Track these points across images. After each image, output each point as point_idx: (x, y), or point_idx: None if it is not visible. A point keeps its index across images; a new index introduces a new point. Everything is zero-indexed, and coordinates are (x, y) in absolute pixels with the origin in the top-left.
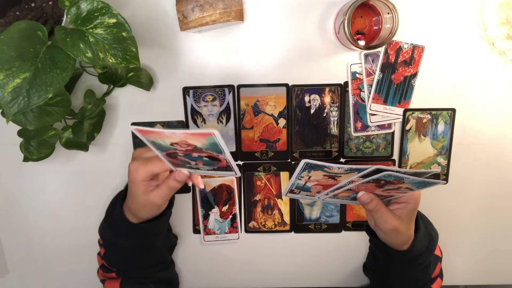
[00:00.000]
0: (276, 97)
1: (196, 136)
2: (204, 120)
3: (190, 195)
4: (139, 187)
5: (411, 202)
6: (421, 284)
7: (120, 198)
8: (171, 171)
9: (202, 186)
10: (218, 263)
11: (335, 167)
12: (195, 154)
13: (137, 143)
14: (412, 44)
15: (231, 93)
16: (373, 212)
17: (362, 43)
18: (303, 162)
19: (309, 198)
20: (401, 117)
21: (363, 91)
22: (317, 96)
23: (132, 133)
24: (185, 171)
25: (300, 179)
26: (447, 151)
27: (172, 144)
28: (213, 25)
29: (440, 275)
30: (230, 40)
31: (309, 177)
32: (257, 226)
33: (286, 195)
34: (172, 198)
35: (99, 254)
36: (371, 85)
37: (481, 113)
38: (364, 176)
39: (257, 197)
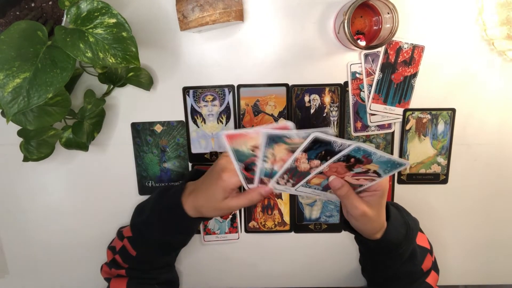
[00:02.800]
0: (276, 97)
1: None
2: (204, 120)
3: None
4: (224, 194)
5: (379, 189)
6: (414, 277)
7: (179, 192)
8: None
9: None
10: (218, 263)
11: (293, 134)
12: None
13: (137, 142)
14: (412, 44)
15: (231, 93)
16: (344, 198)
17: (362, 43)
18: (262, 133)
19: (284, 189)
20: (401, 117)
21: (363, 91)
22: (317, 96)
23: (132, 132)
24: (271, 185)
25: (266, 161)
26: (447, 151)
27: (253, 149)
28: (213, 25)
29: (434, 268)
30: (230, 40)
31: (274, 156)
32: (257, 226)
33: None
34: None
35: (109, 248)
36: (371, 85)
37: (481, 113)
38: (323, 146)
39: None
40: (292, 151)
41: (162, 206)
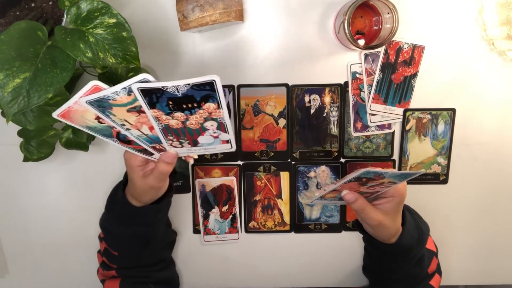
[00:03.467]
0: (276, 97)
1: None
2: None
3: (190, 195)
4: (137, 173)
5: (397, 196)
6: (418, 279)
7: (121, 185)
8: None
9: (195, 157)
10: (218, 263)
11: (110, 94)
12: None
13: None
14: (412, 44)
15: (231, 93)
16: (359, 212)
17: (362, 43)
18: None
19: (188, 151)
20: (401, 117)
21: (363, 91)
22: (317, 96)
23: None
24: (173, 150)
25: (129, 128)
26: (447, 151)
27: (100, 121)
28: (213, 25)
29: (438, 271)
30: (230, 40)
31: (127, 121)
32: (257, 226)
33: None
34: (171, 184)
35: (99, 252)
36: (371, 85)
37: (481, 113)
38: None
39: (257, 197)
40: (137, 110)
41: (114, 200)
